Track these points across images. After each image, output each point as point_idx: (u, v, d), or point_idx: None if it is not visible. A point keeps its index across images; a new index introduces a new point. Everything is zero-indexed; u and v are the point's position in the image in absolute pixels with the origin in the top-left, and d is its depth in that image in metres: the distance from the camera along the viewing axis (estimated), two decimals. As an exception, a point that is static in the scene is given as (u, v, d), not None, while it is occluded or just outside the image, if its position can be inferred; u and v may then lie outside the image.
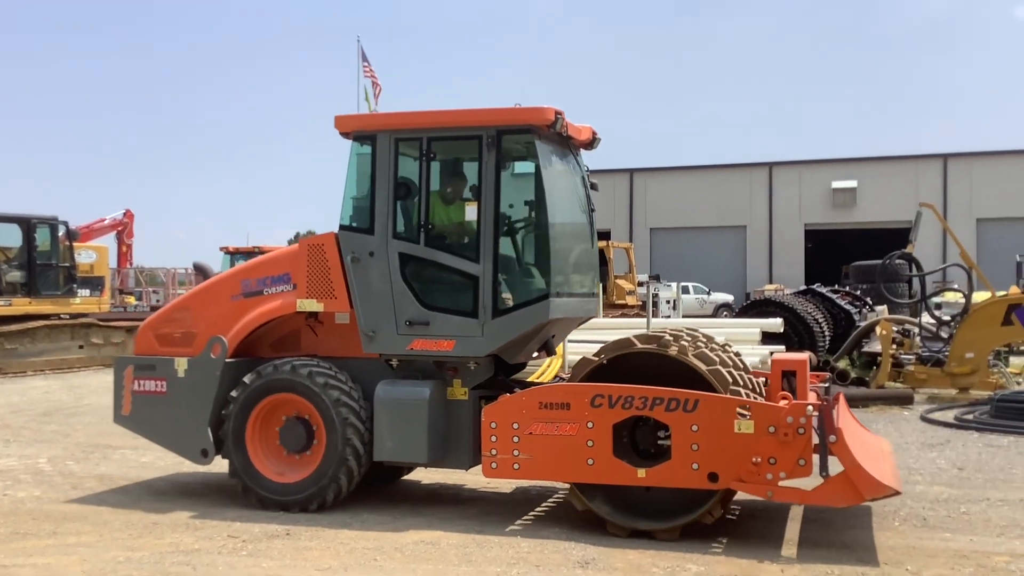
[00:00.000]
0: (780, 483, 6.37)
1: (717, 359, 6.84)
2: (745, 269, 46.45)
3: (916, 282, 16.88)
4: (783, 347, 15.98)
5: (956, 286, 20.63)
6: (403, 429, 7.31)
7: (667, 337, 6.90)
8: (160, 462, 9.83)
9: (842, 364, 16.14)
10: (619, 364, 6.95)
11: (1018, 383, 15.59)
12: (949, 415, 12.58)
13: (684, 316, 25.94)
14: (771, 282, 41.84)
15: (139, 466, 9.71)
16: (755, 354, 12.89)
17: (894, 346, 15.37)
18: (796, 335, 16.65)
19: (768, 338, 15.16)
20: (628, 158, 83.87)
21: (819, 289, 20.35)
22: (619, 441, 6.74)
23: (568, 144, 7.92)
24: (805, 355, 7.35)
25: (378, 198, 7.52)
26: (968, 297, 14.95)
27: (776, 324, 15.58)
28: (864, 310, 20.59)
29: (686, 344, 6.89)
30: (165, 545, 6.67)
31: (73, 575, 6.01)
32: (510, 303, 7.36)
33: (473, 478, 8.43)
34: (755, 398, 6.77)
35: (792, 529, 7.12)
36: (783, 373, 6.87)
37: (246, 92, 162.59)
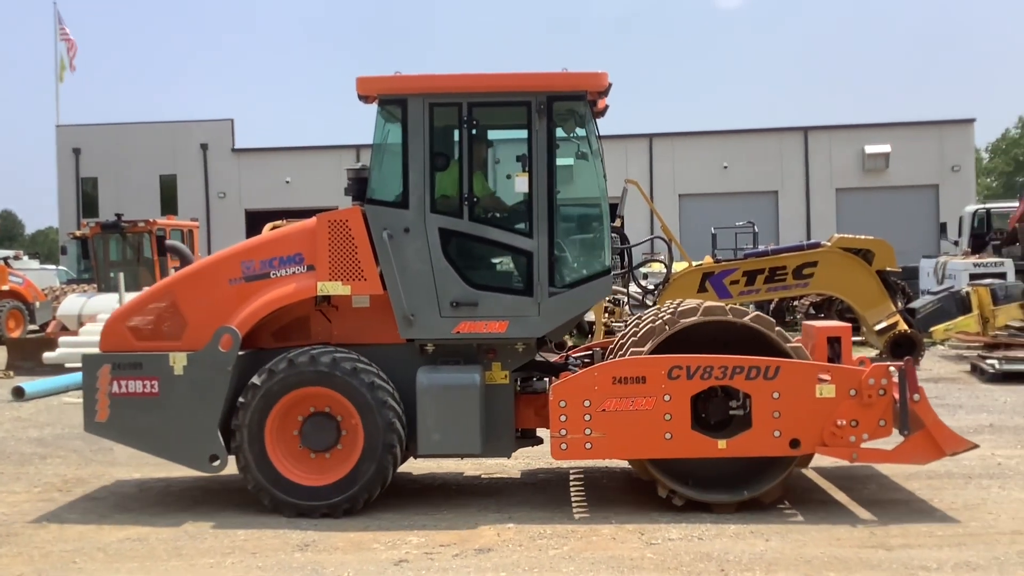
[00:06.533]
0: (862, 445, 6.51)
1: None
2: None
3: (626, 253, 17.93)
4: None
5: (662, 257, 22.04)
6: (453, 418, 6.77)
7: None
8: None
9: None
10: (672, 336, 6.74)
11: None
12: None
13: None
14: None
15: None
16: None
17: (606, 314, 16.26)
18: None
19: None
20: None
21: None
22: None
23: (593, 111, 7.56)
24: (847, 324, 7.48)
25: (412, 169, 6.90)
26: (668, 267, 16.06)
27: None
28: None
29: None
30: None
31: None
32: (569, 279, 7.03)
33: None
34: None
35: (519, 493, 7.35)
36: (828, 339, 6.98)
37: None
